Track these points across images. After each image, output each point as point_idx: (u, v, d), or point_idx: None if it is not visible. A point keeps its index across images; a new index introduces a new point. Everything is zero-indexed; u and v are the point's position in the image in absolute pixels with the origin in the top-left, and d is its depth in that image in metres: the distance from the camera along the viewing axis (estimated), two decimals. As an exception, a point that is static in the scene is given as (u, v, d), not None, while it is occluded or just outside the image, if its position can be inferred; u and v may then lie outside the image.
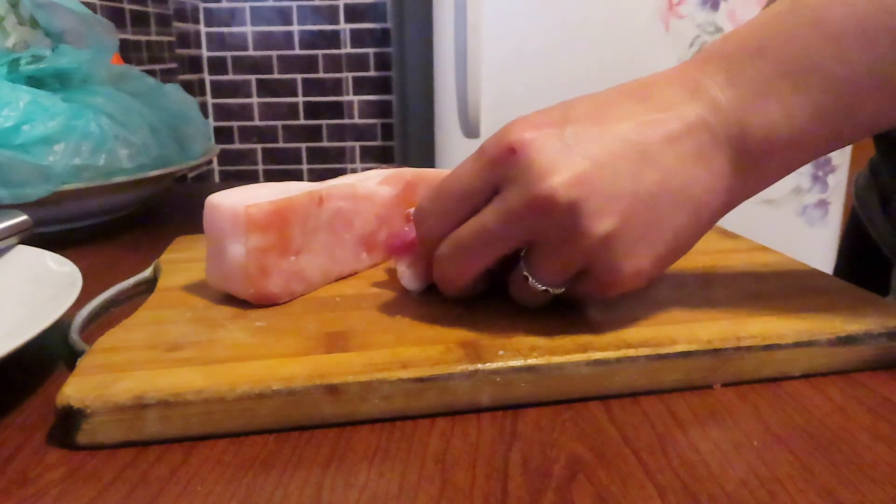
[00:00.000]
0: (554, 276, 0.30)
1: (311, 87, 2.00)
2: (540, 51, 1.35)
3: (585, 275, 0.30)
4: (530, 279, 0.31)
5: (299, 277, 0.36)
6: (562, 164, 0.28)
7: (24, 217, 0.42)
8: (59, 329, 0.34)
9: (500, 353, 0.29)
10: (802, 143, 0.29)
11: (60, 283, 0.35)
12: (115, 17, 1.44)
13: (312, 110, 2.01)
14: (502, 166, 0.29)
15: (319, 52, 1.97)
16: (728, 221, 0.51)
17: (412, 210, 0.34)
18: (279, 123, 2.03)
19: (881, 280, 0.54)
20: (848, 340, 0.31)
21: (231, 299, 0.35)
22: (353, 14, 1.94)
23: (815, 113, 0.29)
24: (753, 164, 0.30)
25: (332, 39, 1.96)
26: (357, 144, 2.04)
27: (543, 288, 0.31)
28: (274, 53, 1.97)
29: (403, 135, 1.78)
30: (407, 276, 0.35)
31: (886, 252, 0.54)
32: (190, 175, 1.79)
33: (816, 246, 1.38)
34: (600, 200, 0.28)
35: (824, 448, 0.25)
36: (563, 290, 0.31)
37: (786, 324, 0.31)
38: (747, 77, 0.29)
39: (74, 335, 0.34)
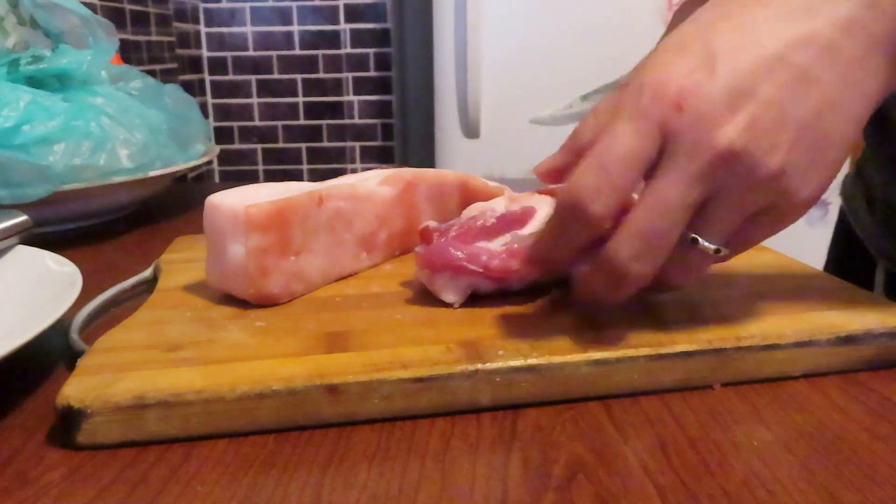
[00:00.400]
0: (732, 227, 0.28)
1: (311, 87, 2.00)
2: (540, 51, 1.35)
3: (758, 217, 0.29)
4: (701, 242, 0.28)
5: (299, 277, 0.36)
6: (732, 111, 0.26)
7: (24, 217, 0.42)
8: (59, 329, 0.34)
9: (500, 353, 0.29)
10: None
11: (60, 283, 0.35)
12: (115, 17, 1.44)
13: (312, 110, 2.01)
14: (669, 125, 0.27)
15: (319, 52, 1.97)
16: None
17: (432, 223, 0.34)
18: (279, 123, 2.03)
19: (868, 279, 0.54)
20: (848, 340, 0.31)
21: (231, 299, 0.35)
22: (353, 14, 1.94)
23: None
24: None
25: (332, 39, 1.96)
26: (357, 144, 2.04)
27: (715, 248, 0.28)
28: (274, 54, 1.97)
29: (403, 135, 1.78)
30: (450, 288, 0.34)
31: (872, 251, 0.55)
32: (190, 175, 1.79)
33: (816, 246, 1.38)
34: (773, 136, 0.26)
35: (824, 448, 0.25)
36: (729, 249, 0.29)
37: (786, 324, 0.31)
38: None
39: (74, 335, 0.34)
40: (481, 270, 0.33)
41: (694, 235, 0.28)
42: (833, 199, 1.33)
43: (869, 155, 0.55)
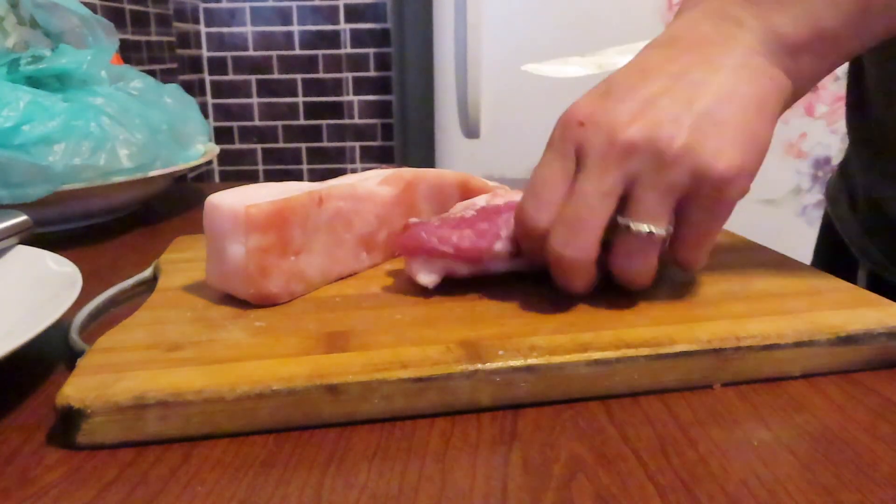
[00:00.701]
0: (661, 208, 0.31)
1: (311, 87, 2.00)
2: (540, 51, 1.35)
3: (691, 199, 0.31)
4: (632, 225, 0.31)
5: (299, 277, 0.36)
6: (631, 115, 0.31)
7: (24, 217, 0.42)
8: (59, 329, 0.34)
9: (500, 353, 0.29)
10: (828, 36, 0.32)
11: (60, 283, 0.35)
12: (115, 17, 1.44)
13: (312, 110, 2.02)
14: (579, 141, 0.32)
15: (319, 52, 1.97)
16: (728, 221, 0.51)
17: (414, 219, 0.35)
18: (279, 123, 2.03)
19: (850, 280, 0.55)
20: (848, 340, 0.31)
21: (231, 299, 0.35)
22: (353, 14, 1.94)
23: (832, 4, 0.32)
24: (794, 62, 0.33)
25: (332, 39, 1.96)
26: (357, 144, 2.04)
27: (648, 230, 0.31)
28: (274, 53, 1.97)
29: (403, 135, 1.78)
30: (422, 271, 0.35)
31: (854, 252, 0.55)
32: (190, 175, 1.79)
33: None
34: (671, 124, 0.30)
35: (824, 448, 0.25)
36: (667, 230, 0.32)
37: (786, 323, 0.31)
38: None
39: (74, 335, 0.34)
40: (452, 251, 0.35)
41: (625, 221, 0.32)
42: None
43: (852, 155, 0.56)
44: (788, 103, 0.34)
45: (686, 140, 0.30)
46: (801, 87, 0.34)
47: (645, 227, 0.31)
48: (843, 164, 0.58)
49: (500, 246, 0.35)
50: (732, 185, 0.31)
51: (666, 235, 0.32)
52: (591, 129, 0.31)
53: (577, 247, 0.32)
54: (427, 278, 0.36)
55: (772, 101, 0.32)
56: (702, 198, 0.31)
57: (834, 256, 0.59)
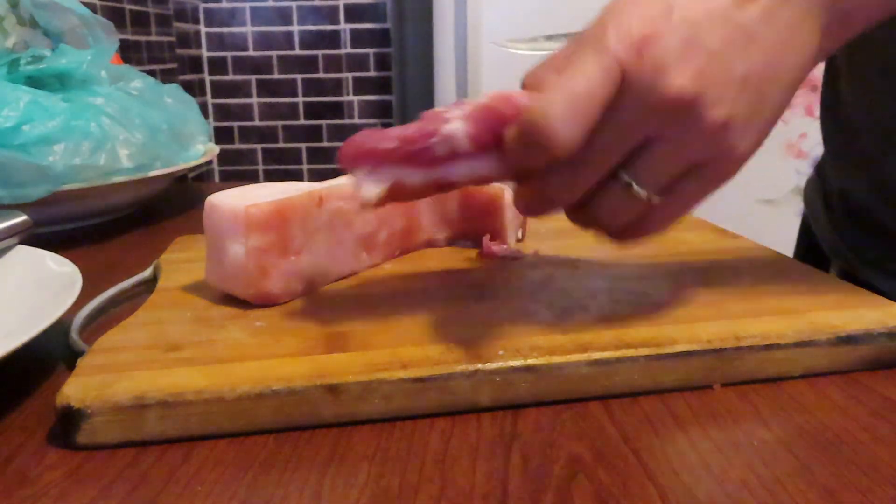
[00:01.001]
0: (668, 176, 0.29)
1: (312, 87, 2.00)
2: (540, 51, 1.35)
3: (695, 171, 0.29)
4: (634, 186, 0.29)
5: (299, 277, 0.36)
6: (685, 61, 0.28)
7: (24, 217, 0.42)
8: (59, 329, 0.34)
9: (500, 353, 0.29)
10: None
11: (60, 283, 0.35)
12: (115, 17, 1.44)
13: (312, 110, 2.01)
14: (628, 68, 0.28)
15: (319, 52, 1.97)
16: (728, 221, 0.51)
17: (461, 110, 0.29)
18: (279, 123, 2.03)
19: None
20: (848, 340, 0.31)
21: (231, 299, 0.35)
22: (353, 14, 1.94)
23: None
24: (843, 21, 0.30)
25: (333, 39, 1.96)
26: (357, 144, 2.04)
27: (647, 195, 0.29)
28: (274, 53, 1.97)
29: (403, 135, 1.78)
30: (367, 182, 0.29)
31: (825, 249, 0.55)
32: (190, 175, 1.79)
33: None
34: (718, 89, 0.28)
35: (824, 448, 0.25)
36: (661, 198, 0.30)
37: (786, 323, 0.31)
38: None
39: (74, 335, 0.34)
40: (395, 144, 0.29)
41: (629, 179, 0.29)
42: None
43: (827, 156, 0.56)
44: (813, 68, 0.32)
45: (727, 112, 0.28)
46: (832, 49, 0.32)
47: (645, 193, 0.29)
48: (819, 165, 0.59)
49: (452, 128, 0.29)
50: (736, 169, 0.30)
51: (664, 212, 0.30)
52: (647, 63, 0.27)
53: (570, 190, 0.29)
54: (372, 189, 0.29)
55: (803, 76, 0.30)
56: (708, 172, 0.29)
57: (805, 257, 0.60)
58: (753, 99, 0.29)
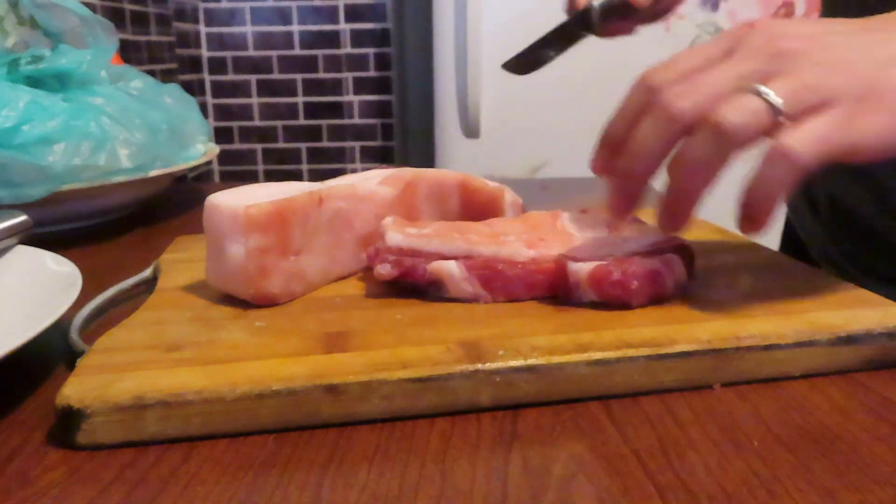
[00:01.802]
0: (794, 94, 0.29)
1: (311, 87, 2.00)
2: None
3: (826, 109, 0.29)
4: (761, 88, 0.29)
5: (299, 277, 0.36)
6: (794, 30, 0.31)
7: (23, 217, 0.42)
8: (59, 329, 0.34)
9: (500, 353, 0.29)
10: None
11: (60, 283, 0.35)
12: (115, 17, 1.44)
13: (312, 110, 2.02)
14: (739, 34, 0.31)
15: (319, 52, 1.97)
16: (728, 221, 0.51)
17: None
18: (279, 123, 2.03)
19: None
20: (848, 340, 0.31)
21: (231, 299, 0.35)
22: (353, 14, 1.94)
23: None
24: None
25: (332, 39, 1.96)
26: (357, 144, 2.04)
27: (775, 99, 0.29)
28: (274, 53, 1.97)
29: (403, 135, 1.78)
30: (385, 265, 0.35)
31: (814, 254, 0.55)
32: (190, 175, 1.79)
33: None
34: (825, 52, 0.30)
35: (824, 448, 0.25)
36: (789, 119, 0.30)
37: (786, 323, 0.31)
38: None
39: (74, 335, 0.34)
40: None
41: (754, 87, 0.29)
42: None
43: None
44: None
45: (839, 86, 0.29)
46: None
47: (773, 95, 0.29)
48: None
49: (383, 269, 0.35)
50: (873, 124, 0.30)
51: (779, 117, 0.29)
52: (758, 30, 0.31)
53: (688, 99, 0.30)
54: (387, 271, 0.36)
55: None
56: (837, 113, 0.29)
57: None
58: (873, 91, 0.29)
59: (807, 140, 0.29)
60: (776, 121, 0.29)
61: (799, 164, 0.29)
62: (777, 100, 0.29)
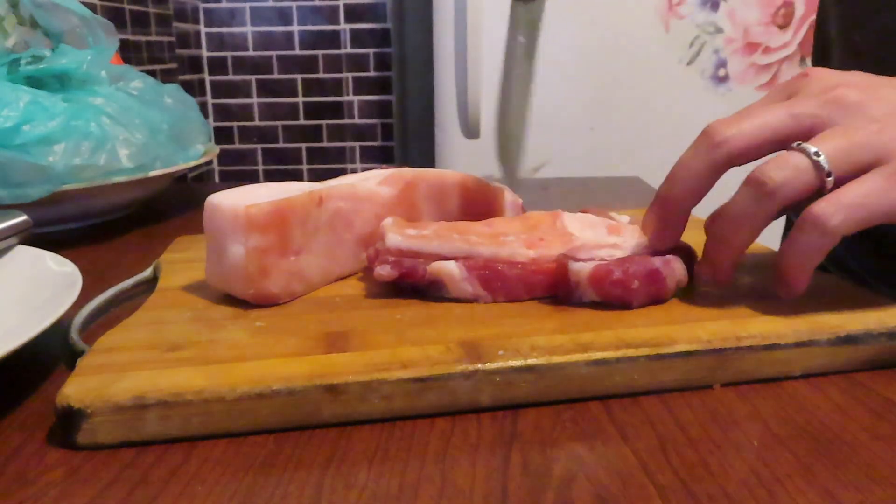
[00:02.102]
0: (836, 147, 0.30)
1: (311, 87, 1.99)
2: (539, 50, 1.35)
3: (872, 171, 0.30)
4: (821, 155, 0.29)
5: (299, 277, 0.36)
6: (849, 81, 0.32)
7: (23, 217, 0.42)
8: (59, 329, 0.34)
9: (500, 352, 0.29)
10: None
11: (60, 283, 0.35)
12: (115, 17, 1.44)
13: (312, 110, 2.01)
14: (796, 84, 0.33)
15: (319, 52, 1.97)
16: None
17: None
18: (279, 124, 2.02)
19: None
20: (848, 340, 0.31)
21: (231, 299, 0.35)
22: (353, 14, 1.94)
23: None
24: None
25: (332, 40, 1.96)
26: (357, 144, 2.04)
27: (827, 168, 0.29)
28: (274, 54, 1.97)
29: (403, 135, 1.78)
30: (385, 266, 0.35)
31: (825, 262, 0.55)
32: (190, 175, 1.79)
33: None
34: (880, 104, 0.31)
35: (824, 448, 0.25)
36: (827, 174, 0.30)
37: (786, 323, 0.31)
38: None
39: (74, 335, 0.34)
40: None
41: (815, 148, 0.30)
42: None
43: None
44: None
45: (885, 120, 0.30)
46: None
47: (827, 166, 0.29)
48: None
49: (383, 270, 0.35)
50: None
51: (824, 176, 0.29)
52: (814, 78, 0.32)
53: (734, 127, 0.31)
54: (387, 271, 0.36)
55: None
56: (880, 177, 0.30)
57: None
58: None
59: (842, 206, 0.29)
60: (822, 179, 0.29)
61: (831, 232, 0.29)
62: (822, 159, 0.29)
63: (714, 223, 0.33)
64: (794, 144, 0.30)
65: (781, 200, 0.30)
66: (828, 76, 0.32)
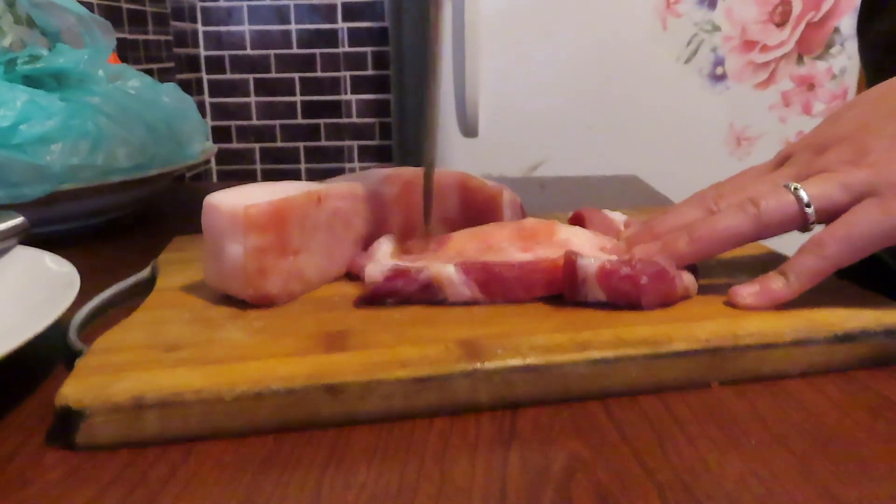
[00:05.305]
0: (824, 184, 0.33)
1: (309, 86, 1.99)
2: (539, 51, 1.35)
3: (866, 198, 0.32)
4: (801, 191, 0.33)
5: (298, 277, 0.36)
6: (834, 140, 0.35)
7: (20, 219, 0.41)
8: (57, 329, 0.34)
9: (499, 352, 0.29)
10: None
11: (59, 283, 0.35)
12: (113, 16, 1.43)
13: (310, 109, 2.01)
14: (788, 150, 0.37)
15: (317, 51, 1.97)
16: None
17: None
18: (277, 123, 2.02)
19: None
20: (846, 338, 0.31)
21: (229, 299, 0.35)
22: (350, 13, 1.93)
23: None
24: None
25: (330, 38, 1.96)
26: (355, 143, 2.04)
27: (807, 200, 0.32)
28: (271, 52, 1.96)
29: (402, 134, 1.78)
30: (375, 267, 0.35)
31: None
32: (188, 175, 1.79)
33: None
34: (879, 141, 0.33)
35: (822, 446, 0.25)
36: (816, 218, 0.33)
37: (784, 322, 0.31)
38: None
39: (73, 335, 0.34)
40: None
41: (792, 184, 0.33)
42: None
43: None
44: None
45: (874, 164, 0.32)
46: None
47: (806, 198, 0.32)
48: None
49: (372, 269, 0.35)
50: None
51: (811, 218, 0.33)
52: (803, 143, 0.36)
53: (727, 200, 0.35)
54: (376, 272, 0.35)
55: None
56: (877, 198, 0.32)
57: None
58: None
59: (836, 237, 0.32)
60: (806, 216, 0.33)
61: (828, 259, 0.32)
62: (805, 196, 0.33)
63: (699, 222, 0.35)
64: (786, 185, 0.33)
65: (766, 225, 0.33)
66: (816, 139, 0.35)
